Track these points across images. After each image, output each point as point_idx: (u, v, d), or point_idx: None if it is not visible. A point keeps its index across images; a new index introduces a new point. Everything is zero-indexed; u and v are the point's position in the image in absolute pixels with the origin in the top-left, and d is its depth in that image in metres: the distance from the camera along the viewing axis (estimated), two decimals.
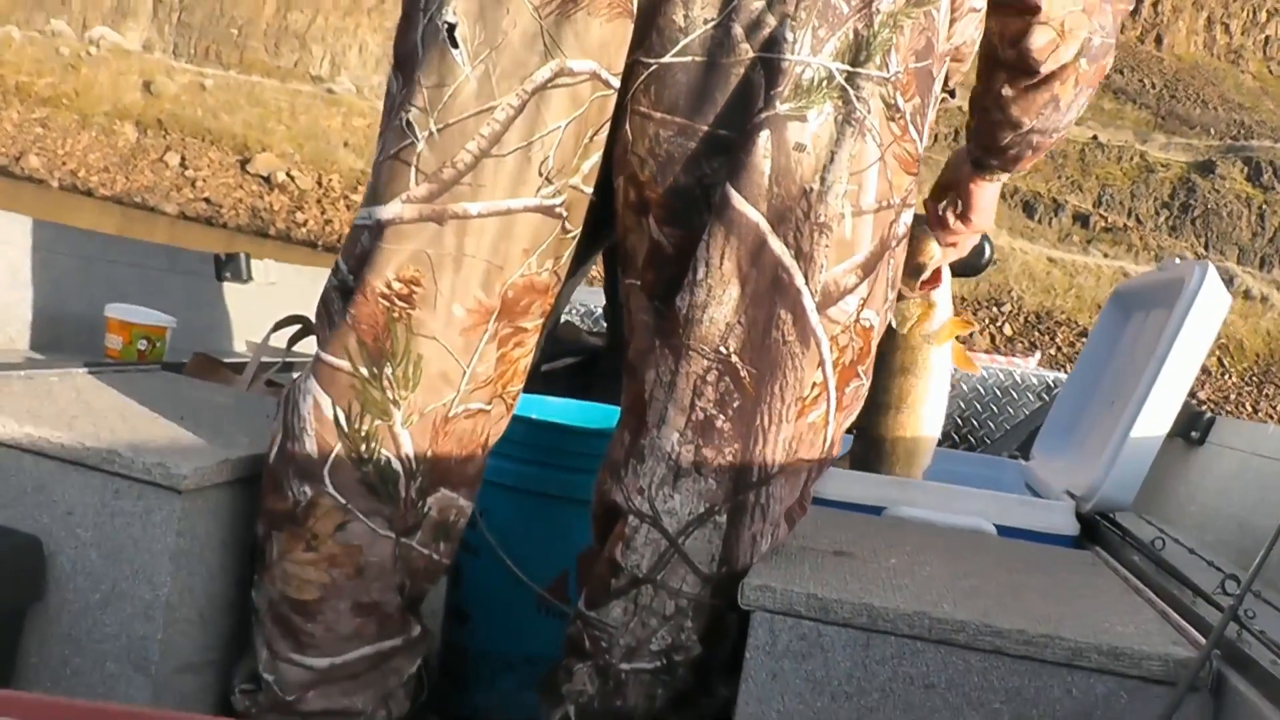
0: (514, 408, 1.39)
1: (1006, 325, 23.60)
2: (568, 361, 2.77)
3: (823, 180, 1.27)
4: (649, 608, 1.32)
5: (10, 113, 28.27)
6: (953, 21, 1.39)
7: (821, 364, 1.31)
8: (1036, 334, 23.37)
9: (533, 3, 1.24)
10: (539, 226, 1.30)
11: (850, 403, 1.38)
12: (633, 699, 1.34)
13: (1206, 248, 26.75)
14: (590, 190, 1.34)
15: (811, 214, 1.27)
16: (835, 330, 1.31)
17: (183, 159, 28.20)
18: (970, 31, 1.45)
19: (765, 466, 1.32)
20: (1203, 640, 1.22)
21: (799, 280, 1.28)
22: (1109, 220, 27.26)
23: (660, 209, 1.32)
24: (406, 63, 1.32)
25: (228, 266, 2.61)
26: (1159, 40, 35.87)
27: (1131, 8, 1.58)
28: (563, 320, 2.64)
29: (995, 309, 24.03)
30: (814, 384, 1.31)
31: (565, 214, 1.32)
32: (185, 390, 1.78)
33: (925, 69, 1.32)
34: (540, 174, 1.28)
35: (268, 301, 2.66)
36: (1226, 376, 23.26)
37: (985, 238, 3.36)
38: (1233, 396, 22.73)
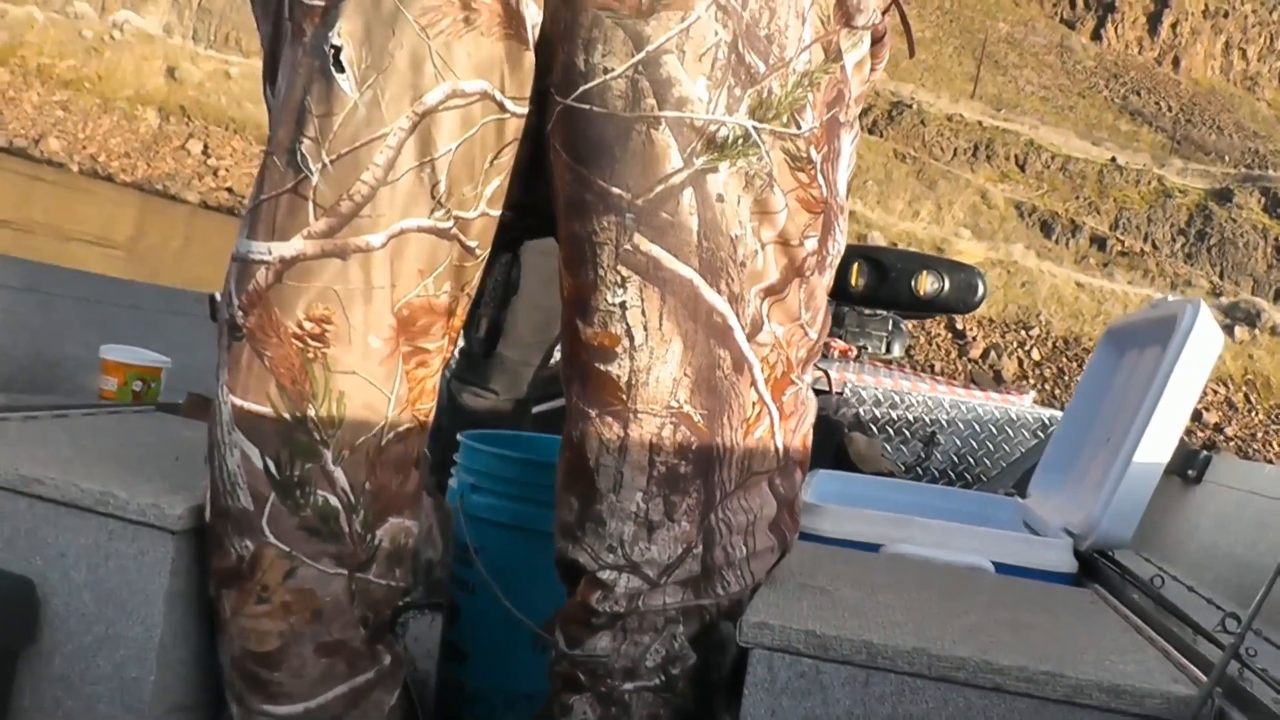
0: (428, 426, 1.38)
1: (1035, 349, 23.48)
2: (563, 401, 2.77)
3: (740, 223, 1.28)
4: (639, 629, 1.32)
5: (30, 94, 27.73)
6: (874, 69, 1.42)
7: (754, 384, 1.33)
8: (1064, 360, 23.28)
9: (420, 23, 1.22)
10: (433, 248, 1.29)
11: (795, 408, 1.40)
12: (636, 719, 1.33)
13: (1221, 277, 26.73)
14: (497, 212, 1.33)
15: (736, 256, 1.29)
16: (764, 352, 1.34)
17: (205, 147, 27.80)
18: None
19: (725, 487, 1.34)
20: (1204, 678, 1.21)
21: (732, 320, 1.30)
22: (1125, 244, 27.25)
23: (564, 250, 1.33)
24: (277, 77, 1.30)
25: None
26: (1176, 63, 36.03)
27: None
28: (554, 360, 2.65)
29: (1024, 332, 23.90)
30: (753, 402, 1.34)
31: (462, 236, 1.31)
32: (180, 431, 1.78)
33: (834, 117, 1.35)
34: (433, 197, 1.26)
35: None
36: (1253, 413, 23.14)
37: (978, 274, 3.37)
38: (1259, 434, 22.60)
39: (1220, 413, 22.55)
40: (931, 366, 21.87)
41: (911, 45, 1.51)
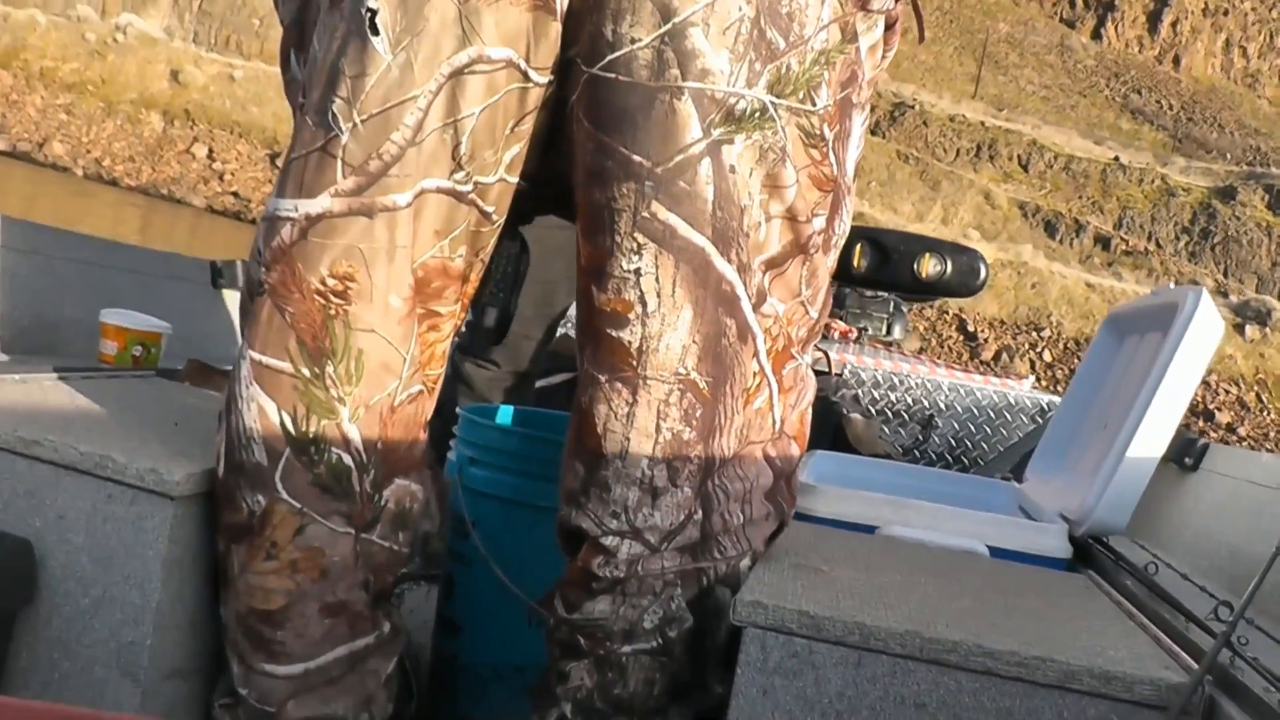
0: (436, 391, 1.39)
1: (1046, 351, 23.32)
2: (564, 377, 2.77)
3: (750, 195, 1.30)
4: (638, 592, 1.34)
5: (34, 98, 27.14)
6: (885, 54, 1.44)
7: (756, 354, 1.36)
8: (1076, 361, 23.15)
9: None
10: (450, 210, 1.30)
11: (794, 383, 1.42)
12: (633, 684, 1.34)
13: (1226, 275, 26.54)
14: (515, 180, 1.35)
15: (743, 226, 1.31)
16: (768, 323, 1.36)
17: (210, 151, 27.33)
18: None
19: (723, 454, 1.36)
20: (1195, 666, 1.22)
21: (739, 289, 1.32)
22: (1130, 243, 27.08)
23: (582, 219, 1.34)
24: (307, 48, 1.32)
25: (223, 273, 2.61)
26: (1176, 61, 35.78)
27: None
28: (559, 334, 2.64)
29: (1035, 334, 23.74)
30: (754, 373, 1.36)
31: (480, 201, 1.32)
32: (179, 396, 1.78)
33: (847, 97, 1.37)
34: (454, 159, 1.28)
35: None
36: (1265, 413, 22.94)
37: (980, 258, 3.37)
38: (1272, 434, 22.38)
39: (1232, 413, 22.39)
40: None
41: (922, 30, 1.52)
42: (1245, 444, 21.45)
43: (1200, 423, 21.69)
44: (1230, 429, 21.88)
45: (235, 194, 26.33)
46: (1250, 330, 24.10)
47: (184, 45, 29.63)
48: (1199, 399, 22.18)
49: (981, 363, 22.43)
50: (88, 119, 27.59)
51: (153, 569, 1.30)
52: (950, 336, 23.11)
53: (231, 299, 2.60)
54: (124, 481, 1.30)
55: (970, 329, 23.26)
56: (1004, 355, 22.97)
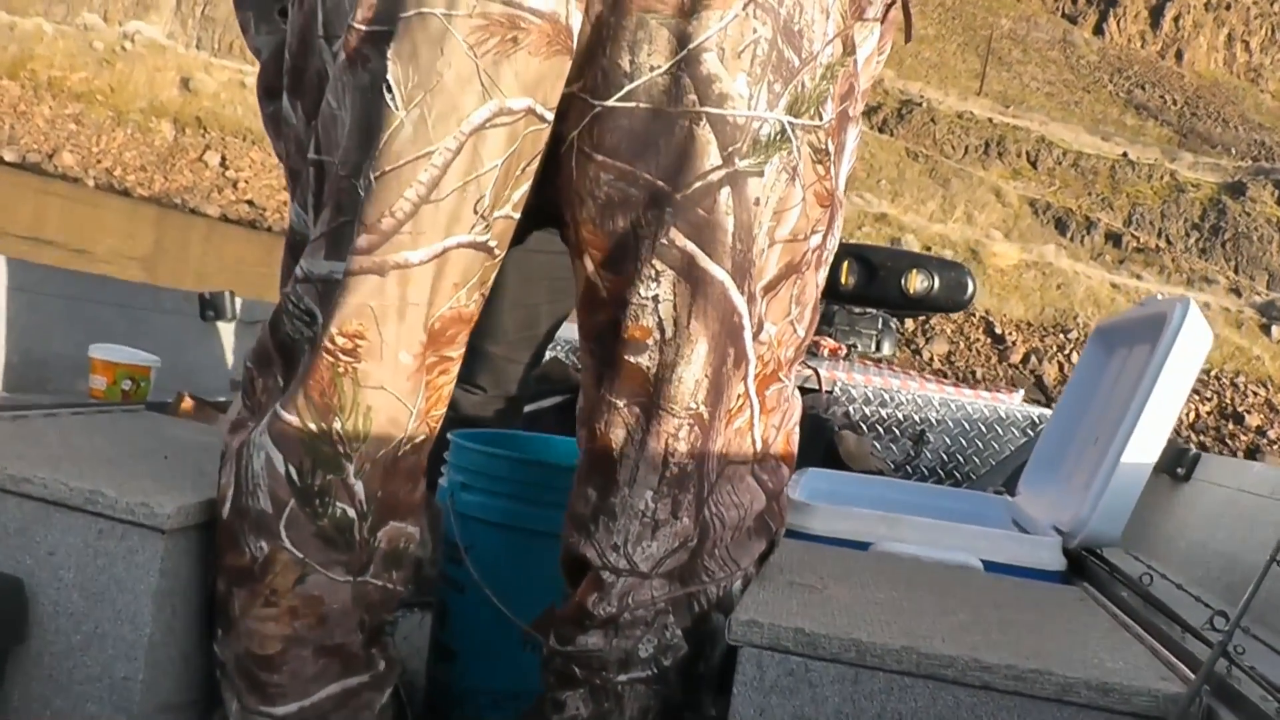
0: (436, 430, 1.38)
1: (1075, 353, 23.10)
2: (555, 400, 2.77)
3: (761, 223, 1.31)
4: (630, 623, 1.34)
5: (42, 108, 26.89)
6: (877, 62, 1.45)
7: (745, 378, 1.36)
8: None
9: (467, 42, 1.21)
10: (470, 261, 1.30)
11: (777, 404, 1.42)
12: (629, 712, 1.34)
13: (1236, 271, 26.49)
14: (518, 215, 1.34)
15: (753, 255, 1.31)
16: (762, 350, 1.37)
17: (223, 159, 26.96)
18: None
19: (710, 478, 1.36)
20: (1192, 676, 1.22)
21: (746, 320, 1.33)
22: (1140, 240, 27.03)
23: (597, 251, 1.33)
24: (307, 94, 1.32)
25: (211, 305, 2.61)
26: (1179, 56, 35.93)
27: None
28: (548, 357, 2.64)
29: (1062, 335, 23.59)
30: (738, 395, 1.37)
31: (494, 244, 1.32)
32: (169, 430, 1.78)
33: (844, 110, 1.38)
34: (476, 212, 1.27)
35: (252, 339, 2.66)
36: None
37: (968, 272, 3.37)
38: None
39: (1262, 415, 22.15)
40: (973, 373, 21.52)
41: (909, 32, 1.52)
42: (1276, 447, 21.13)
43: (1230, 425, 21.42)
44: (1260, 431, 21.64)
45: (250, 202, 25.96)
46: (1277, 331, 23.97)
47: (194, 52, 29.26)
48: (1227, 401, 22.01)
49: (1010, 366, 22.17)
50: (97, 128, 27.24)
51: (144, 603, 1.29)
52: (978, 340, 22.99)
53: (219, 330, 2.60)
54: (114, 516, 1.29)
55: (998, 331, 23.13)
56: (1033, 358, 22.79)
